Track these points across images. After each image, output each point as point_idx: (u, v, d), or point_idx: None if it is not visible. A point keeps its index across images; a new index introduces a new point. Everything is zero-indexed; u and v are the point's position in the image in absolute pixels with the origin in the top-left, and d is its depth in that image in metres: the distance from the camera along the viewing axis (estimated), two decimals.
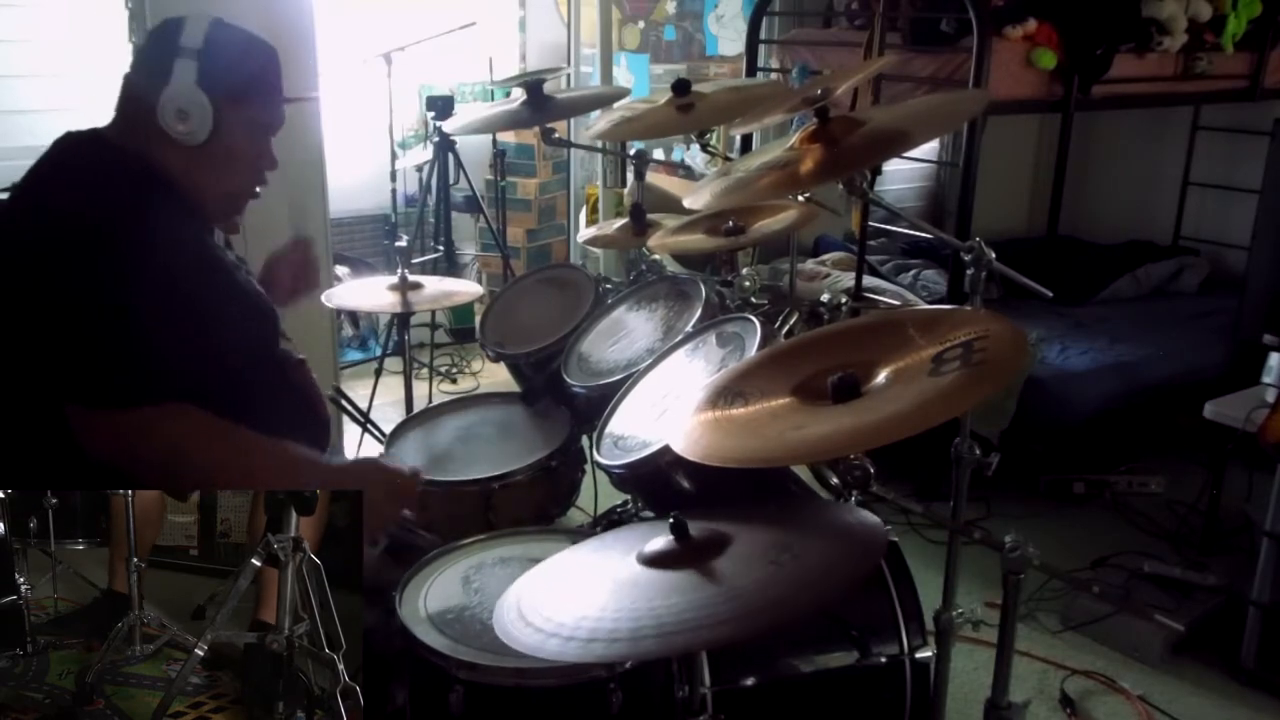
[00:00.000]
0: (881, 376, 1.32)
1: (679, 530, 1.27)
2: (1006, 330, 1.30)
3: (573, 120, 4.37)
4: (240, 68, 1.56)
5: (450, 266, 4.40)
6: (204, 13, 1.56)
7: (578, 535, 1.85)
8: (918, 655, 1.68)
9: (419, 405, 2.66)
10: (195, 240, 1.59)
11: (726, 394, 1.44)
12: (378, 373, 3.85)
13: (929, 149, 4.72)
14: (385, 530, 1.62)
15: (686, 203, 1.82)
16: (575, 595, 1.27)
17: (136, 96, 1.54)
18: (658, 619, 1.15)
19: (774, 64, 4.15)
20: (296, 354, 1.76)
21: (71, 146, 1.55)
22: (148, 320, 1.42)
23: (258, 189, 1.67)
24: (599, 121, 2.57)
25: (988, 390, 1.23)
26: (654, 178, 3.51)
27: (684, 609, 1.16)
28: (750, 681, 1.60)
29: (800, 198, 2.39)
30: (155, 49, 1.55)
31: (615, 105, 2.70)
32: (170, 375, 1.44)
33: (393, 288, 2.54)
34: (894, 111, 1.93)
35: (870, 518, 1.35)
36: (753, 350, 1.73)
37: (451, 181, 4.36)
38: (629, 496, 2.30)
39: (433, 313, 4.37)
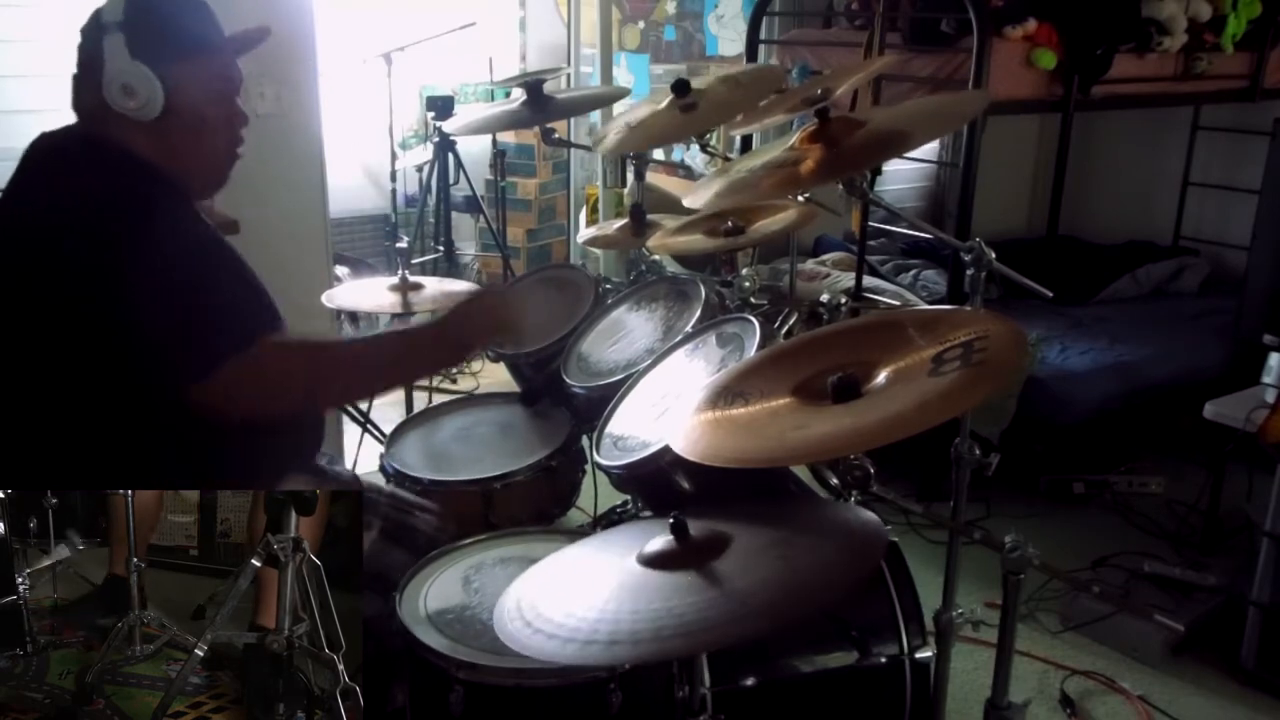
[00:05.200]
0: (881, 376, 1.32)
1: (679, 530, 1.27)
2: (1007, 330, 1.30)
3: (573, 120, 4.38)
4: (172, 28, 1.52)
5: (450, 267, 4.40)
6: None
7: (578, 535, 1.85)
8: (918, 655, 1.68)
9: (419, 405, 2.66)
10: (188, 220, 1.58)
11: (727, 394, 1.44)
12: None
13: (929, 149, 4.72)
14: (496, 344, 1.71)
15: (686, 202, 1.82)
16: (575, 596, 1.27)
17: (85, 90, 1.52)
18: (657, 622, 1.15)
19: (774, 64, 4.14)
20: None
21: (48, 148, 1.53)
22: (205, 285, 1.44)
23: (238, 151, 1.64)
24: (606, 137, 2.55)
25: (988, 390, 1.23)
26: (654, 178, 3.51)
27: (685, 611, 1.15)
28: (750, 681, 1.60)
29: (800, 198, 2.39)
30: (85, 39, 1.53)
31: (617, 113, 2.69)
32: (239, 321, 1.45)
33: (393, 288, 2.54)
34: (894, 112, 1.93)
35: (869, 516, 1.35)
36: (752, 350, 1.73)
37: (451, 181, 4.36)
38: (629, 496, 2.30)
39: (432, 313, 4.36)
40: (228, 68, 1.60)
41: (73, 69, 1.55)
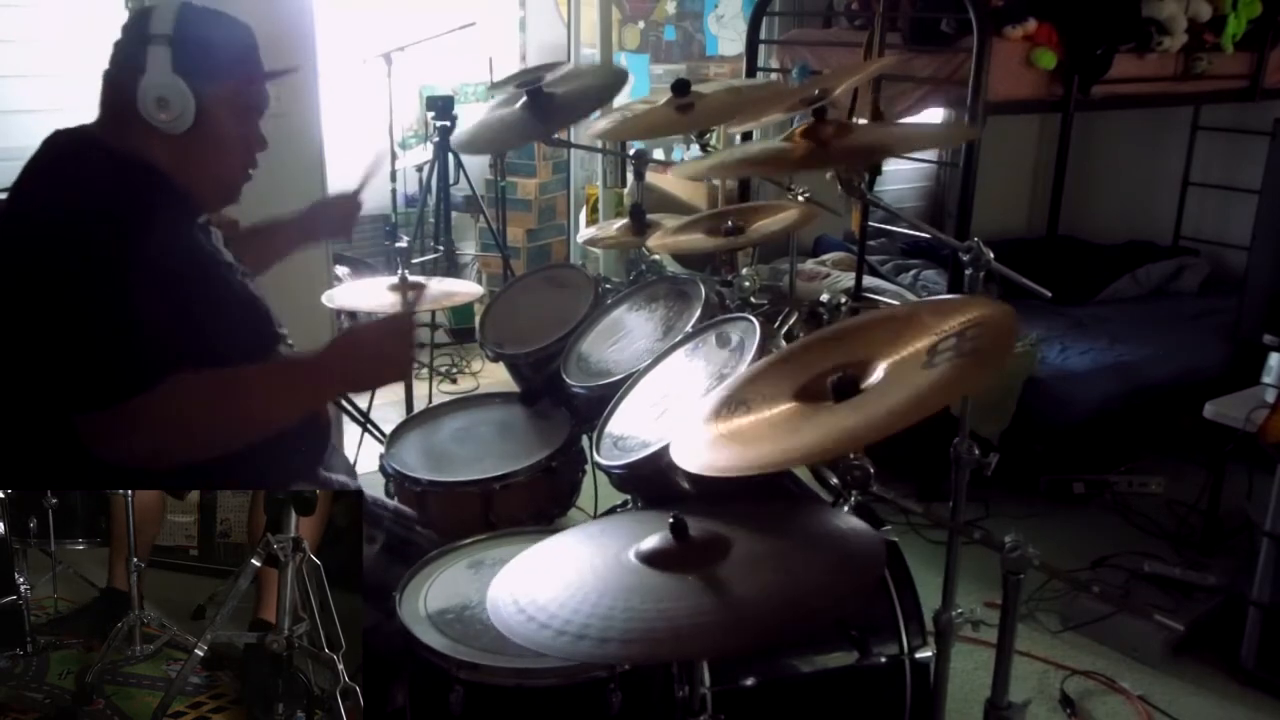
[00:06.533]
0: (879, 372, 1.32)
1: (678, 530, 1.27)
2: (997, 314, 1.30)
3: None
4: (216, 49, 1.53)
5: (450, 266, 4.40)
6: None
7: None
8: (918, 655, 1.68)
9: (419, 405, 2.66)
10: (188, 239, 1.58)
11: (729, 404, 1.43)
12: None
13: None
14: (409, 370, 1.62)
15: (673, 172, 1.85)
16: (570, 585, 1.27)
17: (116, 92, 1.53)
18: (651, 624, 1.15)
19: (774, 64, 4.15)
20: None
21: (60, 146, 1.54)
22: (139, 316, 1.41)
23: (251, 172, 1.65)
24: (600, 121, 2.56)
25: (984, 378, 1.23)
26: (654, 178, 3.51)
27: (680, 616, 1.15)
28: (750, 681, 1.60)
29: (800, 198, 2.39)
30: (128, 41, 1.53)
31: (615, 105, 2.70)
32: (161, 359, 1.42)
33: (393, 288, 2.54)
34: (884, 131, 1.97)
35: (867, 529, 1.35)
36: (753, 349, 1.73)
37: (451, 181, 4.36)
38: (629, 497, 2.30)
39: (433, 313, 4.38)
40: (259, 93, 1.61)
41: (102, 66, 1.56)
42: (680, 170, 1.83)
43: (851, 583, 1.25)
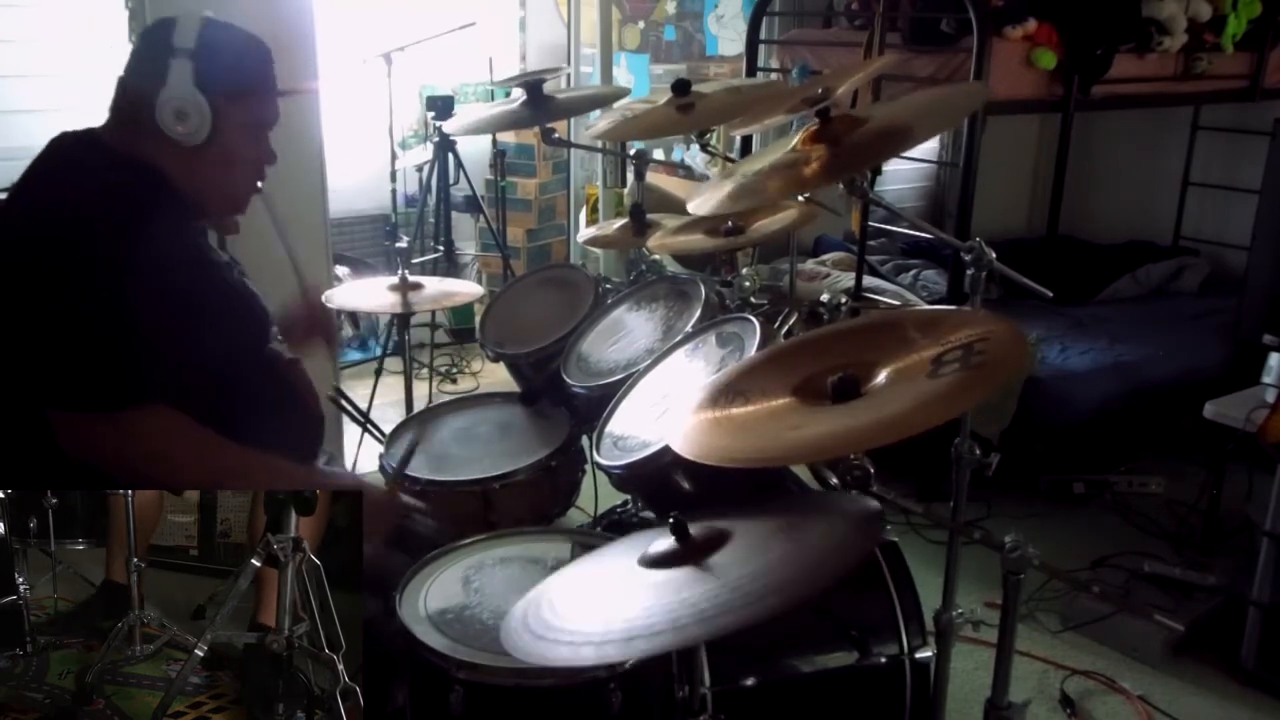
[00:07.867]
0: (881, 377, 1.32)
1: (679, 531, 1.27)
2: (1007, 331, 1.30)
3: (573, 120, 4.38)
4: (236, 66, 1.55)
5: (450, 267, 4.40)
6: (194, 12, 1.54)
7: (578, 535, 1.85)
8: (918, 655, 1.68)
9: (419, 405, 2.66)
10: (187, 242, 1.58)
11: (728, 392, 1.43)
12: (378, 373, 3.85)
13: (929, 149, 4.72)
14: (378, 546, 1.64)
15: (691, 207, 1.82)
16: (582, 604, 1.27)
17: (133, 99, 1.53)
18: (672, 613, 1.14)
19: (774, 64, 4.15)
20: (289, 353, 1.75)
21: (65, 147, 1.54)
22: (134, 323, 1.41)
23: (259, 184, 1.66)
24: (600, 121, 2.57)
25: (986, 393, 1.22)
26: (654, 178, 3.51)
27: (698, 600, 1.15)
28: (750, 681, 1.60)
29: (800, 197, 2.39)
30: (149, 50, 1.54)
31: (615, 105, 2.70)
32: (154, 377, 1.43)
33: (393, 288, 2.54)
34: (895, 107, 1.93)
35: (862, 498, 1.35)
36: (752, 350, 1.73)
37: (451, 181, 4.36)
38: (629, 496, 2.30)
39: (433, 313, 4.38)
40: (272, 109, 1.63)
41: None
42: (698, 206, 1.80)
43: (855, 538, 1.25)
